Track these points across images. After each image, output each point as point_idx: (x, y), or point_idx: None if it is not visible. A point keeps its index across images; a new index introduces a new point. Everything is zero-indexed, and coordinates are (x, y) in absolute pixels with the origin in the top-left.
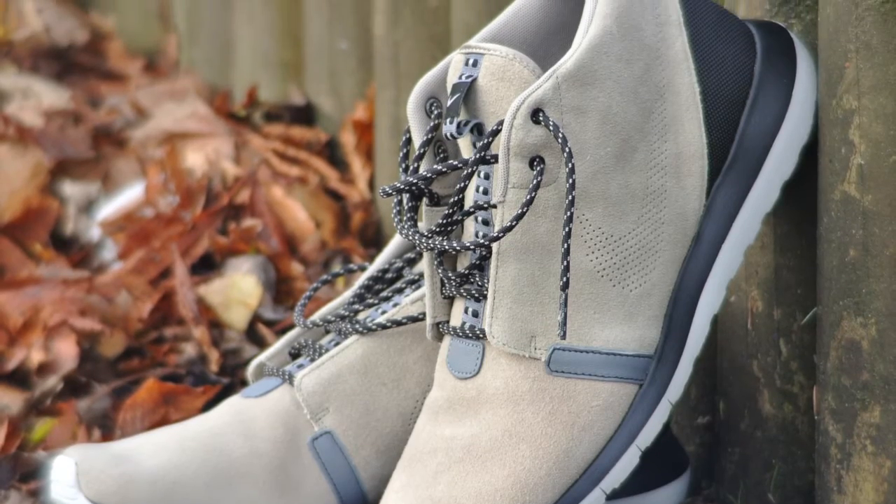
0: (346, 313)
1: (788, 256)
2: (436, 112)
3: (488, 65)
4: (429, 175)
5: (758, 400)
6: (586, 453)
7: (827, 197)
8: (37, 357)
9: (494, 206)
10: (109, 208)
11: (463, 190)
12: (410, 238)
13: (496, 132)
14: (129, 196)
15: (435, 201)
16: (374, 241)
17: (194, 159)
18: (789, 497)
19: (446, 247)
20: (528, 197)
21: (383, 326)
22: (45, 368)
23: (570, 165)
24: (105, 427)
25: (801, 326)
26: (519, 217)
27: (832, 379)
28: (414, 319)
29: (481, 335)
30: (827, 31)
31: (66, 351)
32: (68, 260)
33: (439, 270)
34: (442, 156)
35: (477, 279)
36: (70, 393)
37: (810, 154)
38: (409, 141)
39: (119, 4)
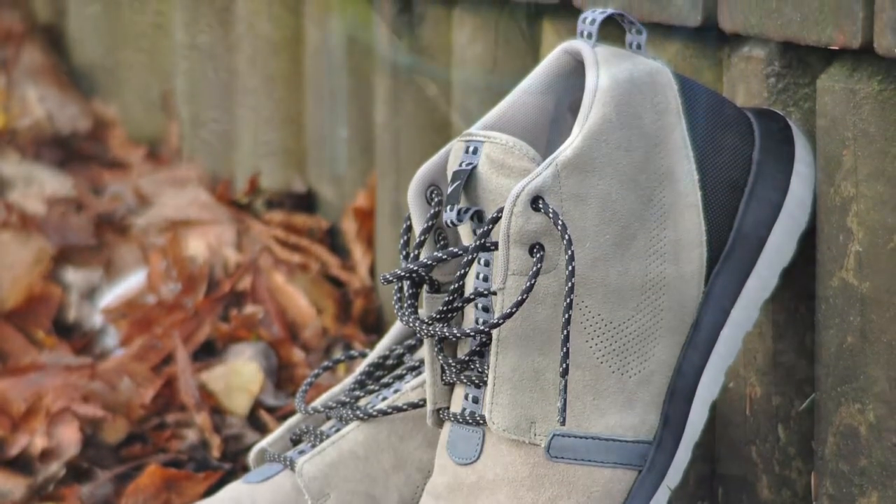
0: (347, 399)
1: (786, 343)
2: (436, 199)
3: (488, 152)
4: (429, 262)
5: (756, 485)
6: None
7: (825, 284)
8: (39, 443)
9: (494, 293)
10: (112, 295)
11: (463, 277)
12: (411, 325)
13: (496, 219)
14: (131, 283)
15: (435, 288)
16: (374, 327)
17: (196, 246)
18: None
19: (446, 333)
20: (528, 284)
21: (384, 412)
22: (47, 454)
23: (569, 253)
24: None
25: (800, 412)
26: (519, 304)
27: (830, 465)
28: (414, 406)
29: (481, 421)
30: (825, 119)
31: (69, 437)
32: (71, 347)
33: (440, 357)
34: (442, 243)
35: (477, 366)
36: (72, 479)
37: (808, 241)
38: (409, 228)
39: (121, 93)
